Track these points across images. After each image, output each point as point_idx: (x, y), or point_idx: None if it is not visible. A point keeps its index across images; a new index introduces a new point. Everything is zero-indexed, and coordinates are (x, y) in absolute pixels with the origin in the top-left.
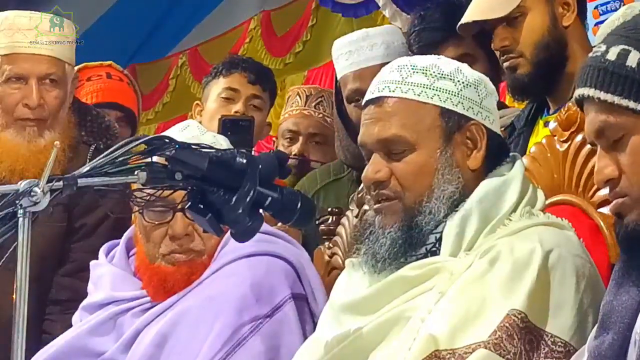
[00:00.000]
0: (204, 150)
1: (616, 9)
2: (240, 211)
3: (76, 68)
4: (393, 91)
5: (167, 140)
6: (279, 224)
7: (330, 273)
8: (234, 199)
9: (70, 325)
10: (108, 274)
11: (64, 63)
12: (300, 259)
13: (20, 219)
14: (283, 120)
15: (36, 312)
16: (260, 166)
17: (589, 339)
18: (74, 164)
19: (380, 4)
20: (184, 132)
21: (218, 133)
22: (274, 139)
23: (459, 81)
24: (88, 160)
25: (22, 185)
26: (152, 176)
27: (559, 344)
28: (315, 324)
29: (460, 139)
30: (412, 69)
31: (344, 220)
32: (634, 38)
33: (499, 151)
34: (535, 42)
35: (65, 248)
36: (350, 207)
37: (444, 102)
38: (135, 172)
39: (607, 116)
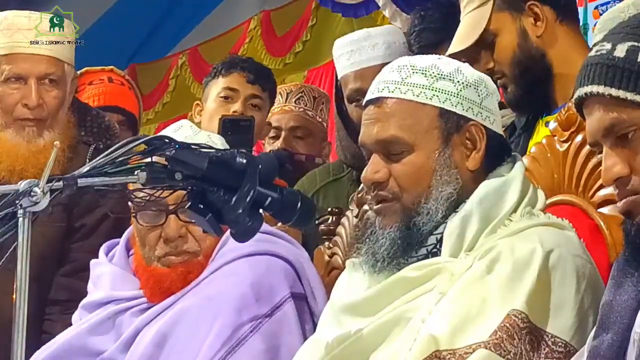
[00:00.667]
0: (204, 150)
1: None
2: (240, 211)
3: (78, 73)
4: (392, 92)
5: (167, 140)
6: (279, 224)
7: (330, 273)
8: (234, 199)
9: (70, 325)
10: (108, 273)
11: (64, 63)
12: (300, 258)
13: (20, 219)
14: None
15: (36, 312)
16: (260, 166)
17: (588, 339)
18: (73, 164)
19: (380, 4)
20: (177, 132)
21: (218, 133)
22: (262, 142)
23: (458, 81)
24: (88, 160)
25: (22, 185)
26: (152, 176)
27: (560, 344)
28: (315, 324)
29: (459, 140)
30: (412, 69)
31: (344, 220)
32: None
33: (500, 151)
34: (508, 60)
35: (65, 248)
36: (350, 207)
37: (443, 102)
38: (135, 172)
39: (618, 113)
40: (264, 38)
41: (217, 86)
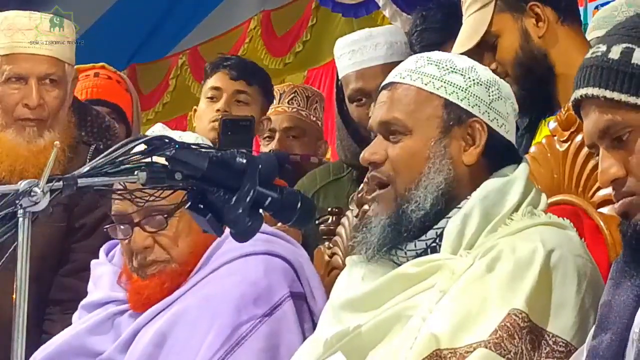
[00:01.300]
0: (204, 150)
1: None
2: (240, 211)
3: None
4: (404, 78)
5: (167, 140)
6: (279, 224)
7: (330, 273)
8: (234, 199)
9: (70, 325)
10: (108, 274)
11: (64, 63)
12: (299, 258)
13: (20, 219)
14: None
15: (36, 312)
16: (260, 166)
17: (588, 338)
18: (74, 164)
19: (380, 4)
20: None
21: (218, 133)
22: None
23: (469, 78)
24: (88, 161)
25: (22, 185)
26: (152, 176)
27: (560, 343)
28: (314, 323)
29: (459, 133)
30: (428, 60)
31: (344, 220)
32: (637, 37)
33: (504, 154)
34: (511, 61)
35: (65, 248)
36: (350, 207)
37: (450, 94)
38: (135, 172)
39: (613, 115)
40: (264, 38)
41: (205, 87)
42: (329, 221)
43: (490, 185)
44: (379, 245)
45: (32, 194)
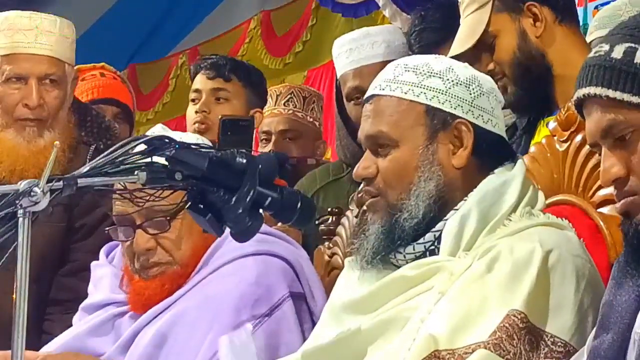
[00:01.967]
0: (204, 150)
1: None
2: (240, 211)
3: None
4: (383, 89)
5: (167, 140)
6: (279, 224)
7: (330, 273)
8: (234, 199)
9: (70, 326)
10: (108, 275)
11: (64, 63)
12: (299, 257)
13: (20, 219)
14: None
15: (36, 312)
16: (260, 166)
17: (589, 339)
18: (74, 164)
19: (380, 4)
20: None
21: (218, 133)
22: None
23: (448, 79)
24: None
25: (22, 185)
26: (152, 176)
27: (559, 344)
28: (314, 323)
29: (445, 137)
30: (404, 67)
31: (344, 220)
32: (639, 36)
33: (497, 151)
34: (509, 61)
35: (65, 248)
36: (350, 207)
37: (430, 100)
38: (135, 172)
39: (615, 115)
40: (264, 38)
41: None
42: (329, 221)
43: (487, 186)
44: (373, 253)
45: (32, 194)
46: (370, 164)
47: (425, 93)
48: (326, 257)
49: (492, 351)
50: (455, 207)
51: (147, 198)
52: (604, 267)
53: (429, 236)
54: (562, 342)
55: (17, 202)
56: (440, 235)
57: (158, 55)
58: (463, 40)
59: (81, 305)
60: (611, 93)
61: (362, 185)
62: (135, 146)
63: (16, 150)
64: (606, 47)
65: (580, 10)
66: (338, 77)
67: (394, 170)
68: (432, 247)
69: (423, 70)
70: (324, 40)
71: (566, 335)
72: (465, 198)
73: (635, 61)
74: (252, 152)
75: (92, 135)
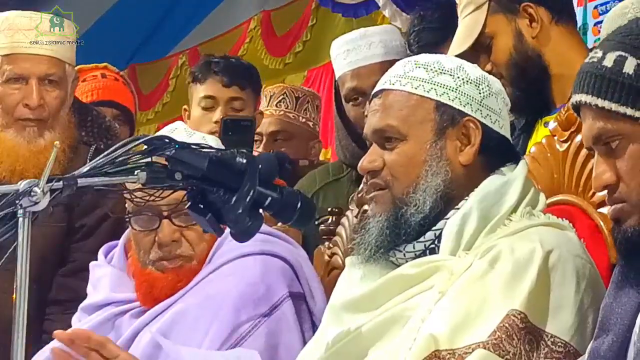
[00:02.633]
0: (204, 150)
1: None
2: (240, 211)
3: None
4: (393, 84)
5: (167, 140)
6: (279, 224)
7: (330, 273)
8: (234, 199)
9: (70, 326)
10: (107, 276)
11: (64, 63)
12: (298, 257)
13: (20, 219)
14: None
15: (36, 312)
16: (260, 166)
17: (590, 344)
18: (74, 164)
19: (380, 4)
20: (172, 134)
21: (219, 133)
22: None
23: (459, 77)
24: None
25: (22, 185)
26: (152, 176)
27: (559, 344)
28: (313, 323)
29: (454, 134)
30: (415, 64)
31: (343, 220)
32: (631, 44)
33: (502, 152)
34: (505, 62)
35: (66, 248)
36: (350, 207)
37: (440, 96)
38: (135, 172)
39: (604, 123)
40: (264, 38)
41: (197, 93)
42: (329, 221)
43: (488, 185)
44: (376, 247)
45: (32, 194)
46: (376, 157)
47: (435, 89)
48: (326, 257)
49: (491, 351)
50: (457, 206)
51: (147, 198)
52: (604, 267)
53: (429, 235)
54: (562, 342)
55: (17, 202)
56: (440, 234)
57: (158, 55)
58: (460, 41)
59: (81, 306)
60: (600, 102)
61: (362, 185)
62: (135, 146)
63: (16, 150)
64: (599, 54)
65: (579, 10)
66: (336, 78)
67: (401, 163)
68: (432, 246)
69: (434, 67)
70: (324, 40)
71: (566, 336)
72: (467, 197)
73: (624, 71)
74: (252, 152)
75: (93, 136)
